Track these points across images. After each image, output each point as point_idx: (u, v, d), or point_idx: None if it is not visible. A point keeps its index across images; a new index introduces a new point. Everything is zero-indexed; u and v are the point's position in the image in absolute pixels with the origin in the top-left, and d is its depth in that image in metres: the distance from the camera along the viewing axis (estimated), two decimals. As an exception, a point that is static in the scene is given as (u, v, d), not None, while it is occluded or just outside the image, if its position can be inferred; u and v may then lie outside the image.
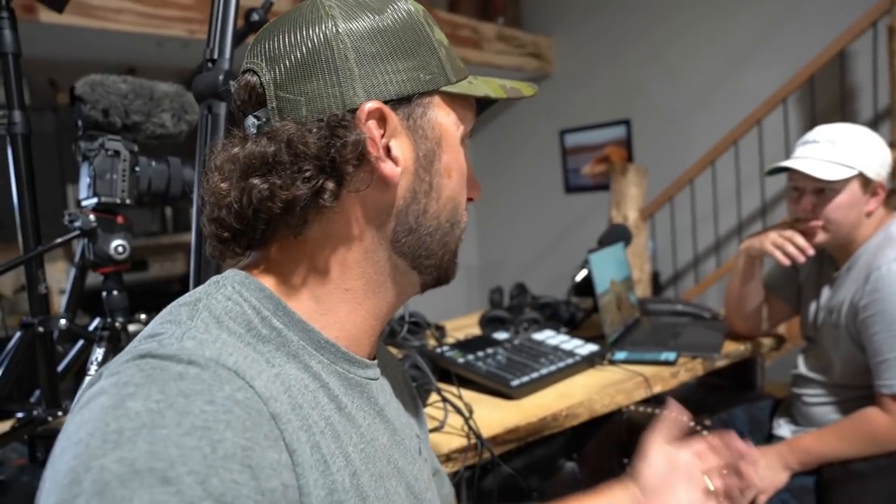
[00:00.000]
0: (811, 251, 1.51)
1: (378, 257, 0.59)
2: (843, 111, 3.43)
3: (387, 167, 0.55)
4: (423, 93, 0.57)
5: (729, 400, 2.12)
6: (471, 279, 5.39)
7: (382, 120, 0.55)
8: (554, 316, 1.87)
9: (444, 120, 0.59)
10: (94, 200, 1.16)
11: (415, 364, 1.30)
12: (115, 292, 1.20)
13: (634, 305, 1.99)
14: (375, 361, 0.63)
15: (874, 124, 3.36)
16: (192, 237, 0.90)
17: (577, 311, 1.93)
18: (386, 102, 0.55)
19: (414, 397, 0.80)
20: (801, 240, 1.51)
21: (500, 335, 1.62)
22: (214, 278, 0.57)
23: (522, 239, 5.23)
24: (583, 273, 1.87)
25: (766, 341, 1.80)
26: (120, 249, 1.17)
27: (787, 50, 3.70)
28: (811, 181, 1.46)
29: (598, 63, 4.63)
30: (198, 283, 0.87)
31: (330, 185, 0.53)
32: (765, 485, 1.42)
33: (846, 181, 1.44)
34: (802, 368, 1.64)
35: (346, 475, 0.51)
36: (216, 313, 0.52)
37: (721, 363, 1.68)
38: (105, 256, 1.17)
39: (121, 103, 1.15)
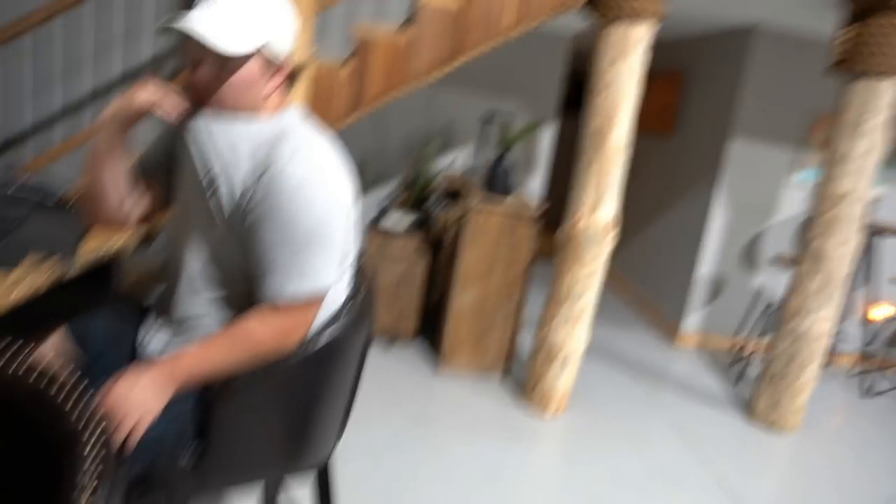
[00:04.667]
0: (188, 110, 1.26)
1: None
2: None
3: None
4: None
5: (82, 303, 1.73)
6: None
7: None
8: None
9: None
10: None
11: None
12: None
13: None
14: None
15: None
16: None
17: None
18: None
19: None
20: (177, 99, 1.26)
21: None
22: None
23: None
24: None
25: (133, 236, 1.48)
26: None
27: None
28: (206, 50, 1.18)
29: None
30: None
31: None
32: (142, 408, 1.15)
33: (248, 56, 1.20)
34: (175, 268, 1.37)
35: None
36: None
37: (76, 270, 1.28)
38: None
39: None
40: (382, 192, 3.94)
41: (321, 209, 1.19)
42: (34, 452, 0.85)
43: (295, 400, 1.28)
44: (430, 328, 3.79)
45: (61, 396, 0.84)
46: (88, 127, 3.12)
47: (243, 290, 1.30)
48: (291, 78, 1.32)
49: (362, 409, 2.78)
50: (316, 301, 1.26)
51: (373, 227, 3.37)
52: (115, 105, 1.26)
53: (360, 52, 2.60)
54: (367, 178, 3.84)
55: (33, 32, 3.12)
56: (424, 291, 3.57)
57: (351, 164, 2.82)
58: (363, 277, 1.45)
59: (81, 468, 0.81)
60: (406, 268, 3.38)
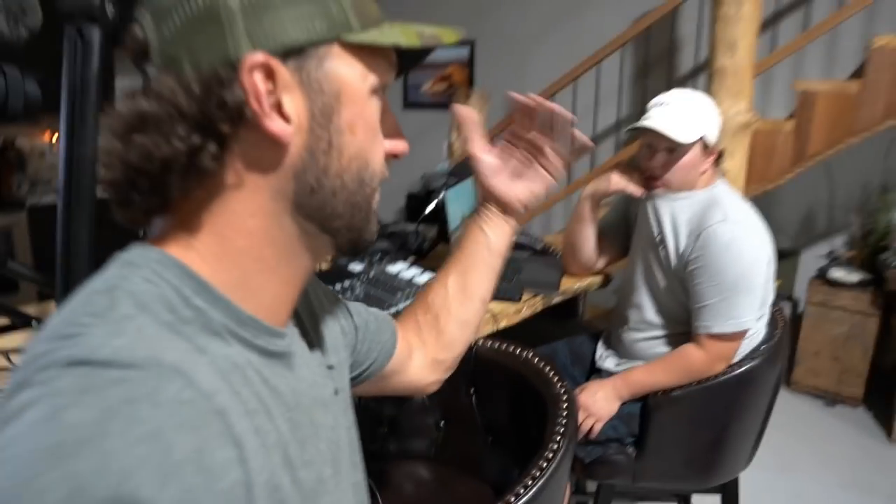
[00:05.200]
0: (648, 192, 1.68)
1: (283, 222, 0.55)
2: (669, 61, 3.70)
3: (275, 125, 0.51)
4: (319, 42, 0.52)
5: (552, 329, 2.27)
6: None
7: (270, 73, 0.50)
8: (403, 245, 1.87)
9: (346, 72, 0.54)
10: None
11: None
12: None
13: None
14: (288, 330, 0.61)
15: (693, 76, 3.68)
16: (59, 204, 0.77)
17: (425, 240, 1.93)
18: (277, 54, 0.50)
19: (327, 314, 0.75)
20: (638, 180, 1.69)
21: (354, 267, 1.58)
22: (123, 258, 0.52)
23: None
24: (431, 205, 1.85)
25: (596, 279, 1.95)
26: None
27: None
28: (665, 141, 1.56)
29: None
30: (67, 257, 0.79)
31: (211, 146, 0.50)
32: (602, 413, 1.59)
33: (692, 143, 1.56)
34: (627, 306, 1.77)
35: (280, 450, 0.52)
36: (140, 300, 0.48)
37: (558, 299, 1.79)
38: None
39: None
40: (830, 243, 3.77)
41: (745, 262, 1.48)
42: (532, 407, 1.31)
43: (711, 418, 1.57)
44: (879, 393, 3.44)
45: (551, 375, 1.28)
46: (559, 191, 3.87)
47: (680, 324, 1.64)
48: (719, 156, 1.64)
49: (789, 459, 2.76)
50: (738, 336, 1.53)
51: (818, 280, 3.29)
52: (593, 185, 1.75)
53: (803, 106, 2.68)
54: (815, 230, 3.73)
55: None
56: (874, 352, 3.29)
57: (794, 215, 2.89)
58: (777, 322, 1.67)
59: (554, 428, 1.22)
60: (853, 325, 3.19)
